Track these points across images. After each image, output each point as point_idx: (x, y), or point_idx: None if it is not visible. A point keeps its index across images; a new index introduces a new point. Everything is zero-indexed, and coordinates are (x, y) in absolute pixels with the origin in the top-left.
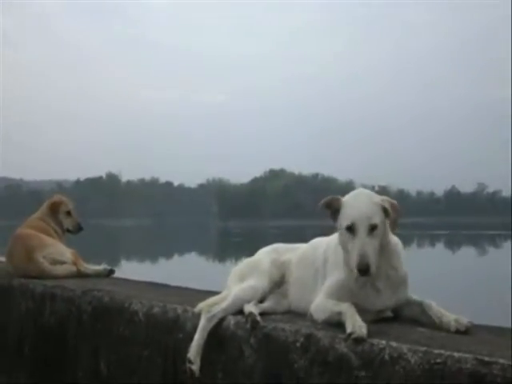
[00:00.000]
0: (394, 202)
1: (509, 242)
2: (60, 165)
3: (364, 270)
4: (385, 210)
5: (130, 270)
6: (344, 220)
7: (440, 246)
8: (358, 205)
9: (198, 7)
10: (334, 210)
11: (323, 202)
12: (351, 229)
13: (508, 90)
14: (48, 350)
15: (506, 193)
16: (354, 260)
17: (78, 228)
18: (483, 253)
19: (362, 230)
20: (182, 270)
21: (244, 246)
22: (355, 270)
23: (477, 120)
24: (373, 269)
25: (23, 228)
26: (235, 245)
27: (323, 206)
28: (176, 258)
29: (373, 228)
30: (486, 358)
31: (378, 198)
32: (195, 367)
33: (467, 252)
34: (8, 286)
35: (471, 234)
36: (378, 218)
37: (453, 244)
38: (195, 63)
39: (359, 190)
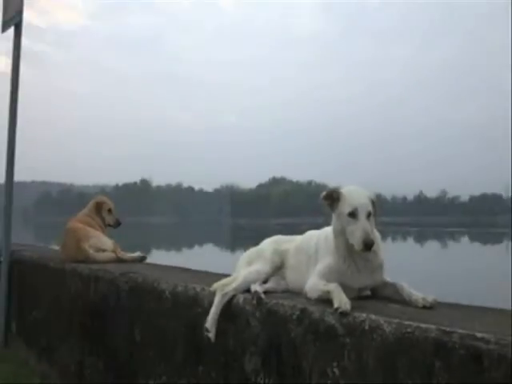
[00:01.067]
0: (375, 197)
1: (466, 237)
2: (102, 172)
3: (370, 244)
4: (372, 203)
5: (159, 257)
6: (346, 207)
7: (411, 241)
8: (358, 195)
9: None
10: (333, 199)
11: (325, 193)
12: (353, 214)
13: (474, 107)
14: (93, 321)
15: (463, 198)
16: (359, 237)
17: (118, 223)
18: (445, 246)
19: (363, 215)
20: (201, 257)
21: (251, 238)
22: (361, 246)
23: (441, 137)
24: (374, 244)
25: (73, 222)
26: (244, 238)
27: (324, 197)
28: (196, 248)
29: (369, 215)
30: (447, 329)
31: (367, 193)
32: (211, 335)
33: (432, 245)
34: (61, 269)
35: (435, 231)
36: (371, 207)
37: (421, 239)
38: (212, 90)
39: (353, 186)
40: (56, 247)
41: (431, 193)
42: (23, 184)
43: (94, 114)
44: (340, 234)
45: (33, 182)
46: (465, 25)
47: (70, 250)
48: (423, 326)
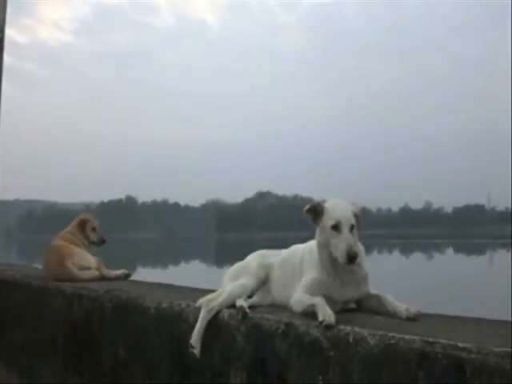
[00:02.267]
0: (359, 210)
1: (451, 249)
2: (87, 190)
3: (353, 257)
4: (355, 216)
5: (144, 274)
6: (329, 220)
7: (396, 253)
8: (341, 208)
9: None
10: (317, 213)
11: (308, 206)
12: (336, 227)
13: (458, 121)
14: (77, 340)
15: (447, 209)
16: (343, 250)
17: (102, 241)
18: (430, 258)
19: (346, 228)
20: (188, 274)
21: (238, 253)
22: (345, 259)
23: (424, 148)
24: (358, 257)
25: (56, 240)
26: (231, 253)
27: (308, 211)
28: (182, 264)
29: (352, 227)
30: (431, 339)
31: (350, 206)
32: (196, 351)
33: (417, 257)
34: (44, 287)
35: (421, 243)
36: (353, 220)
37: (406, 251)
38: (197, 104)
39: (337, 199)
40: (40, 266)
41: (416, 204)
42: (6, 203)
43: (79, 130)
44: (324, 247)
45: (16, 201)
46: (448, 39)
47: (53, 268)
48: (407, 337)
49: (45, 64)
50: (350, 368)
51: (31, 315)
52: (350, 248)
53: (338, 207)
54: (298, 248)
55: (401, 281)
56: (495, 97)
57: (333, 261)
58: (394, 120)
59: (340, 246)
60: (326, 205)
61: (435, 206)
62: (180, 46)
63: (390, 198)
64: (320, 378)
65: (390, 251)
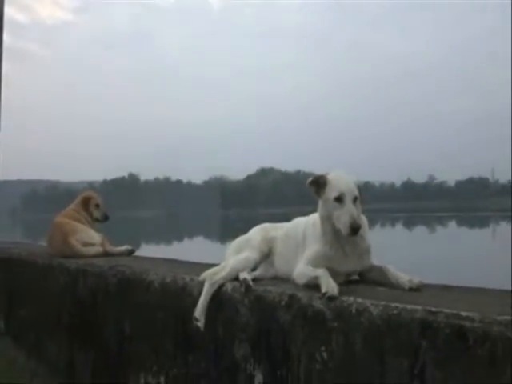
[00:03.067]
0: (360, 183)
1: (454, 222)
2: (90, 168)
3: (356, 228)
4: (358, 188)
5: (149, 251)
6: (332, 192)
7: (399, 226)
8: (344, 180)
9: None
10: (319, 185)
11: (311, 179)
12: (340, 199)
13: (463, 98)
14: (82, 315)
15: (450, 183)
16: (346, 222)
17: (105, 217)
18: (433, 231)
19: (349, 200)
20: (191, 250)
21: (241, 229)
22: (348, 231)
23: (427, 122)
24: (361, 229)
25: (60, 217)
26: (234, 229)
27: (310, 183)
28: (186, 240)
29: (355, 199)
30: (433, 309)
31: (353, 178)
32: (200, 324)
33: (420, 230)
34: (49, 264)
35: (423, 216)
36: (357, 192)
37: (409, 224)
38: (199, 83)
39: (339, 171)
40: (44, 244)
41: (419, 178)
42: (10, 183)
43: (81, 110)
44: (327, 219)
45: (19, 181)
46: (455, 15)
47: (57, 245)
48: (409, 307)
49: (45, 42)
50: (353, 338)
51: (37, 292)
52: (353, 220)
53: (341, 179)
54: (300, 221)
55: (404, 253)
56: (499, 73)
57: (336, 233)
58: (399, 96)
59: (343, 217)
60: (329, 177)
61: (438, 179)
62: (181, 25)
63: (393, 173)
64: (323, 348)
65: (393, 225)
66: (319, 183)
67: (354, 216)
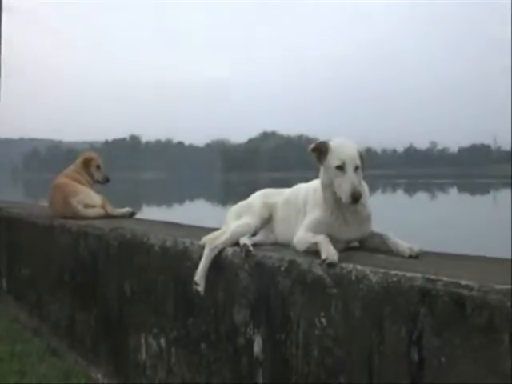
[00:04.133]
0: (363, 150)
1: (455, 189)
2: (92, 128)
3: (357, 197)
4: (360, 156)
5: (149, 213)
6: (334, 160)
7: (400, 192)
8: (346, 148)
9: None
10: (321, 152)
11: (313, 145)
12: (341, 167)
13: (470, 58)
14: (83, 277)
15: (452, 149)
16: (347, 190)
17: (106, 179)
18: (433, 197)
19: (350, 168)
20: (192, 212)
21: (242, 193)
22: (349, 199)
23: (431, 89)
24: (361, 197)
25: (61, 178)
26: (235, 193)
27: (312, 150)
28: (187, 203)
29: (356, 168)
30: (432, 277)
31: (355, 145)
32: (201, 288)
33: (421, 196)
34: (50, 225)
35: (425, 183)
36: (358, 161)
37: (410, 190)
38: (203, 42)
39: (342, 138)
40: (45, 204)
41: (421, 145)
42: (11, 141)
43: (83, 70)
44: (328, 186)
45: (21, 140)
46: None
47: (57, 206)
48: (409, 274)
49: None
50: (352, 305)
51: (38, 252)
52: (354, 188)
53: (343, 147)
54: (301, 187)
55: (404, 220)
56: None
57: (336, 200)
58: (401, 62)
59: (344, 186)
60: (331, 144)
61: (440, 146)
62: None
63: (395, 139)
64: (322, 314)
65: (394, 191)
66: (321, 150)
67: (354, 185)
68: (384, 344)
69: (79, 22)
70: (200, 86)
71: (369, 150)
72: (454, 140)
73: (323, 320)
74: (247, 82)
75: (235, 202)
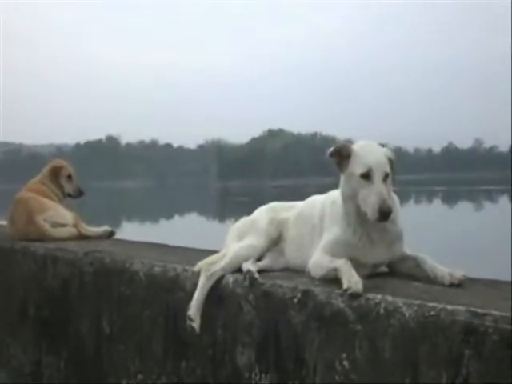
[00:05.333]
0: (394, 154)
1: (505, 197)
2: (59, 129)
3: (387, 213)
4: (390, 161)
5: (131, 231)
6: (358, 167)
7: (437, 202)
8: (372, 152)
9: None
10: (343, 157)
11: (333, 149)
12: (367, 176)
13: (507, 47)
14: (51, 311)
15: (502, 148)
16: (375, 205)
17: (79, 192)
18: (480, 208)
19: (378, 177)
20: (183, 230)
21: (244, 205)
22: (376, 215)
23: (473, 76)
24: (392, 213)
25: (24, 192)
26: (235, 205)
27: (332, 154)
28: (177, 218)
29: (386, 176)
30: (479, 310)
31: (384, 150)
32: (196, 324)
33: (464, 207)
34: (10, 248)
35: (468, 190)
36: (388, 168)
37: (450, 200)
38: (196, 24)
39: (367, 141)
40: (3, 222)
41: (463, 143)
42: None
43: (49, 57)
44: (350, 199)
45: None
46: None
47: (20, 225)
48: (450, 307)
49: None
50: (381, 345)
51: None
52: (383, 202)
53: (370, 151)
54: (317, 200)
55: (443, 238)
56: None
57: (360, 216)
58: (437, 43)
59: (371, 199)
60: (355, 147)
61: (487, 144)
62: None
63: (430, 136)
64: (344, 356)
65: (430, 200)
66: (342, 155)
67: (384, 197)
68: None
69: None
70: (190, 79)
71: (398, 150)
72: (503, 137)
73: (345, 363)
74: (248, 71)
75: (236, 216)
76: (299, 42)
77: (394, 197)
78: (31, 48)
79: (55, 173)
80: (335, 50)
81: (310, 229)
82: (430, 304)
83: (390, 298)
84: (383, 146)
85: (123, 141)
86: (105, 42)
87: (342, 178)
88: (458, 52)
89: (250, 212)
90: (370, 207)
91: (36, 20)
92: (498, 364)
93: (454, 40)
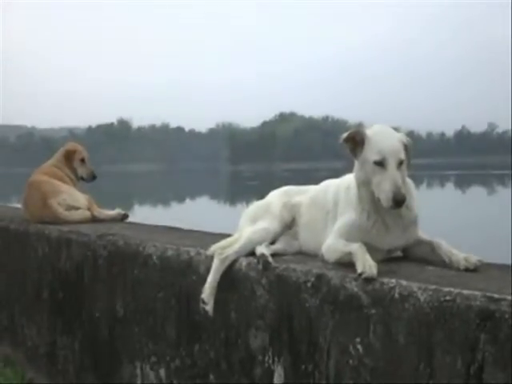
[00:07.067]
0: (410, 139)
1: None
2: (72, 112)
3: (401, 200)
4: (405, 147)
5: (143, 214)
6: (372, 153)
7: (450, 187)
8: (387, 139)
9: None
10: (356, 143)
11: (346, 135)
12: (381, 163)
13: None
14: (66, 294)
15: None
16: (388, 192)
17: (92, 176)
18: (493, 192)
19: (393, 164)
20: (195, 213)
21: (255, 189)
22: (390, 203)
23: (487, 59)
24: (406, 200)
25: (38, 174)
26: (246, 188)
27: (345, 140)
28: (188, 202)
29: (400, 163)
30: (495, 295)
31: (399, 135)
32: (209, 308)
33: (477, 192)
34: (25, 231)
35: (481, 174)
36: (403, 154)
37: (463, 184)
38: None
39: (381, 126)
40: (18, 205)
41: (476, 127)
42: None
43: (63, 41)
44: (364, 184)
45: None
46: None
47: (34, 208)
48: (465, 292)
49: None
50: (395, 329)
51: (10, 265)
52: (397, 189)
53: (384, 137)
54: (331, 184)
55: (456, 223)
56: None
57: (375, 202)
58: (448, 24)
59: (385, 185)
60: (369, 133)
61: (500, 128)
62: None
63: (443, 120)
64: (358, 340)
65: (443, 185)
66: (356, 140)
67: (398, 185)
68: (435, 378)
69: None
70: (201, 61)
71: (411, 134)
72: None
73: (359, 347)
74: (258, 53)
75: (247, 200)
76: (311, 24)
77: (409, 182)
78: (45, 30)
79: (69, 156)
80: (346, 31)
81: (324, 213)
82: (446, 289)
83: (404, 283)
84: (394, 129)
85: (134, 124)
86: (119, 20)
87: (356, 163)
88: (468, 35)
89: (260, 196)
90: (383, 195)
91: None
92: None
93: (462, 23)
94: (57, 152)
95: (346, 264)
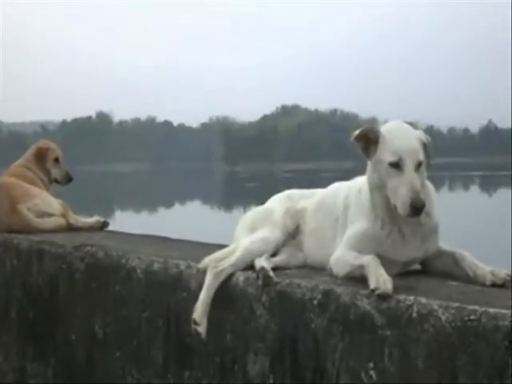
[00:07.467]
0: (429, 137)
1: None
2: (44, 104)
3: (419, 207)
4: (424, 146)
5: (125, 221)
6: (387, 154)
7: (475, 189)
8: (404, 138)
9: None
10: (369, 141)
11: (358, 132)
12: (397, 164)
13: None
14: (37, 313)
15: None
16: (406, 197)
17: (68, 178)
18: None
19: (410, 166)
20: (184, 220)
21: (253, 192)
22: (408, 210)
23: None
24: (425, 206)
25: (5, 176)
26: (243, 192)
27: (357, 138)
28: (177, 207)
29: (419, 165)
30: None
31: (417, 133)
32: (201, 329)
33: (505, 195)
34: None
35: (510, 175)
36: (421, 155)
37: (489, 186)
38: None
39: (398, 123)
40: None
41: (504, 123)
42: None
43: (34, 32)
44: (378, 189)
45: None
46: None
47: (1, 214)
48: (492, 310)
49: None
50: (413, 353)
51: None
52: (415, 195)
53: (400, 136)
54: (340, 188)
55: (482, 230)
56: None
57: (390, 208)
58: (471, 14)
59: (401, 190)
60: (383, 130)
61: None
62: None
63: (466, 114)
64: (371, 365)
65: (467, 187)
66: (369, 138)
67: (416, 189)
68: None
69: None
70: (194, 40)
71: (430, 130)
72: None
73: (372, 373)
74: (258, 39)
75: (245, 205)
76: (317, 11)
77: (429, 185)
78: (17, 26)
79: (41, 155)
80: (356, 20)
81: (333, 221)
82: (470, 307)
83: (423, 300)
84: (412, 125)
85: (116, 118)
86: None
87: (369, 164)
88: (495, 25)
89: (260, 200)
90: (400, 201)
91: None
92: None
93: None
94: (27, 150)
95: (358, 279)
